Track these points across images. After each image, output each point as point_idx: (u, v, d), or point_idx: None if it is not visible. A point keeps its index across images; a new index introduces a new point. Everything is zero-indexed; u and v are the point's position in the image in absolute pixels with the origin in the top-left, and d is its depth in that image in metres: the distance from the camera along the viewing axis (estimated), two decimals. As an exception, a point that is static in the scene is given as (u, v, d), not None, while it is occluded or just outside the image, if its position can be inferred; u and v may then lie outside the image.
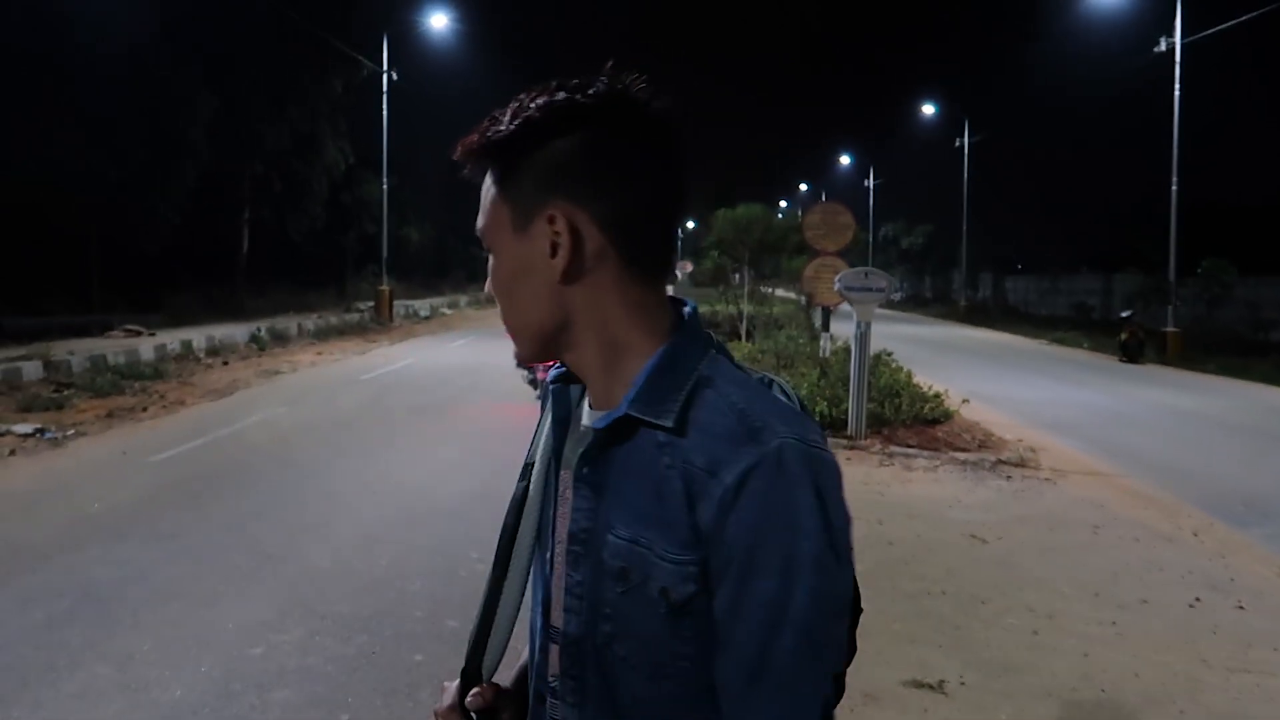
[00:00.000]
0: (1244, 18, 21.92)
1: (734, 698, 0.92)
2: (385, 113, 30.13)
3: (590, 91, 0.99)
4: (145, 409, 11.71)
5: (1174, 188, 23.24)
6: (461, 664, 1.23)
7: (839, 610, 0.94)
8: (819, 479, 0.92)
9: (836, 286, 9.43)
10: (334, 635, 4.63)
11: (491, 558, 1.20)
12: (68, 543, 6.05)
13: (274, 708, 3.89)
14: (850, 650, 1.05)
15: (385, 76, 30.05)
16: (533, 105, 1.00)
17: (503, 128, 1.01)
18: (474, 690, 1.18)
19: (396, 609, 5.00)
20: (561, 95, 0.99)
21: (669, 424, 0.97)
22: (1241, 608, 5.40)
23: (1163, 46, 23.43)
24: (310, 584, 5.36)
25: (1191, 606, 5.42)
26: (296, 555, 5.88)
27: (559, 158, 0.99)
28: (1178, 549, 6.61)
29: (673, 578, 0.94)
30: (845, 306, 11.33)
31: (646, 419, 0.98)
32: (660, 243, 1.03)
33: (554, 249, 1.00)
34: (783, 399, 1.03)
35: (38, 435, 9.77)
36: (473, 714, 1.18)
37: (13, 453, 8.99)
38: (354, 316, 27.51)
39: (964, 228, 43.65)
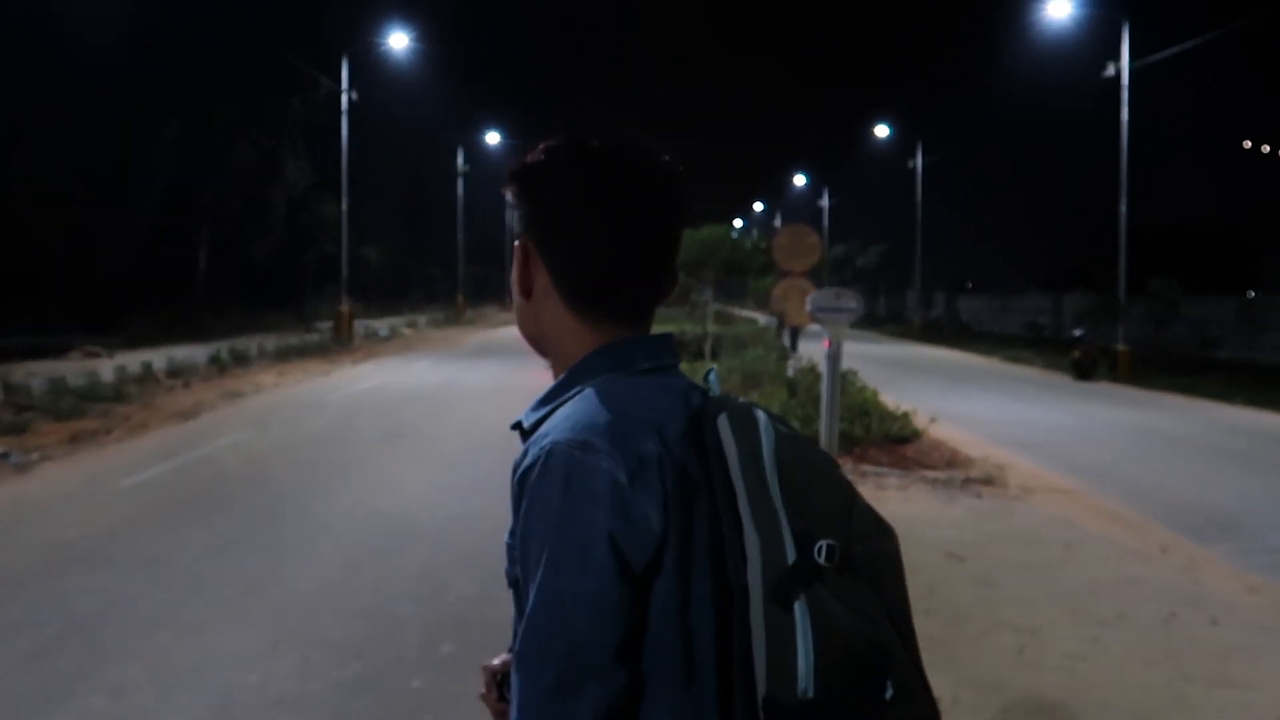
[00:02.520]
0: (1188, 44, 22.60)
1: None
2: (345, 132, 29.95)
3: (563, 151, 1.15)
4: (110, 432, 11.53)
5: (1123, 209, 23.82)
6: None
7: (571, 612, 0.97)
8: (572, 482, 0.99)
9: (809, 307, 9.56)
10: (328, 662, 4.62)
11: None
12: (45, 570, 5.96)
13: (277, 736, 3.87)
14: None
15: (345, 96, 29.89)
16: (534, 157, 1.16)
17: (517, 166, 1.18)
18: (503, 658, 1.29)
19: (389, 634, 4.99)
20: (542, 156, 1.15)
21: (525, 426, 1.13)
22: (1215, 622, 5.55)
23: (1110, 71, 24.04)
24: (298, 610, 5.34)
25: (1167, 621, 5.56)
26: (281, 581, 5.84)
27: (531, 203, 1.16)
28: (1148, 565, 6.78)
29: (509, 560, 1.07)
30: (812, 326, 11.49)
31: (522, 425, 1.14)
32: (603, 291, 1.14)
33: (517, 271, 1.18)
34: (614, 411, 1.05)
35: (2, 460, 9.59)
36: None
37: (-24, 478, 8.82)
38: (314, 337, 27.22)
39: (917, 247, 44.29)
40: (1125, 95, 23.66)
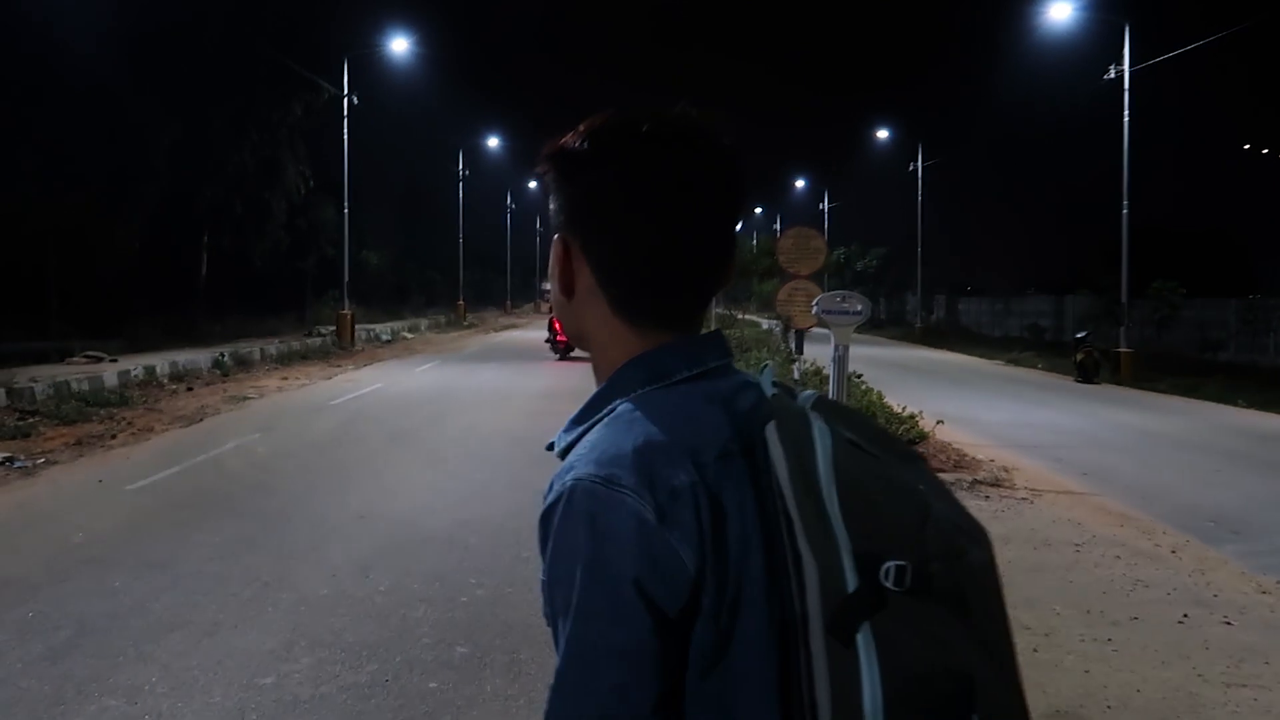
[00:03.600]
0: (1189, 47, 22.63)
1: None
2: (346, 136, 29.97)
3: (609, 134, 1.02)
4: (114, 436, 11.52)
5: (1125, 211, 23.83)
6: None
7: (602, 668, 0.88)
8: (596, 522, 0.90)
9: (814, 310, 9.55)
10: (344, 664, 4.61)
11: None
12: (56, 574, 5.95)
13: (294, 738, 3.86)
14: None
15: (346, 100, 29.91)
16: (574, 140, 1.04)
17: (554, 150, 1.05)
18: None
19: (402, 636, 4.98)
20: (583, 139, 1.03)
21: (556, 452, 1.03)
22: (1229, 623, 5.55)
23: (1112, 74, 24.07)
24: (311, 612, 5.33)
25: (1180, 622, 5.56)
26: (293, 583, 5.83)
27: (570, 193, 1.04)
28: (1159, 566, 6.77)
29: (544, 600, 0.96)
30: (817, 329, 11.48)
31: (556, 446, 1.04)
32: (655, 293, 1.02)
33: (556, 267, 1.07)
34: (643, 436, 0.94)
35: (8, 464, 9.58)
36: None
37: (-17, 482, 8.81)
38: (316, 341, 27.20)
39: (918, 251, 44.31)
40: (1127, 98, 23.68)
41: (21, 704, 4.12)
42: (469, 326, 44.68)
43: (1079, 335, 23.21)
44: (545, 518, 0.94)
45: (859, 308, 9.64)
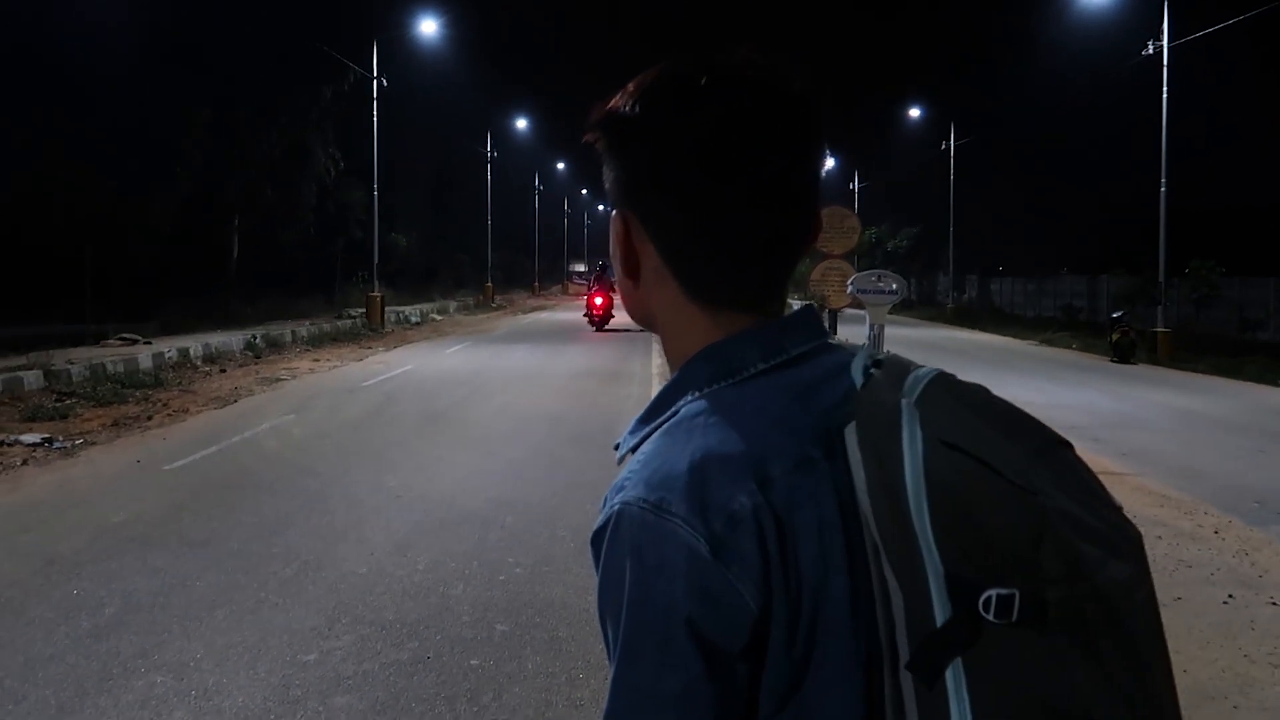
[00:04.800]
0: (1231, 21, 22.20)
1: None
2: (375, 119, 30.05)
3: (667, 92, 0.90)
4: (150, 417, 11.64)
5: (1163, 189, 23.46)
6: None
7: (646, 709, 0.79)
8: (644, 553, 0.80)
9: (849, 289, 9.49)
10: (385, 641, 4.63)
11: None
12: (99, 552, 6.01)
13: (339, 714, 3.89)
14: None
15: (375, 83, 29.97)
16: (626, 102, 0.92)
17: (605, 116, 0.94)
18: None
19: (442, 614, 5.00)
20: (637, 100, 0.91)
21: (619, 455, 0.94)
22: (1275, 603, 5.47)
23: (1150, 50, 23.66)
24: (351, 590, 5.36)
25: (1225, 603, 5.48)
26: (333, 562, 5.86)
27: (627, 163, 0.92)
28: (1202, 547, 6.68)
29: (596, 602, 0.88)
30: (849, 309, 11.41)
31: (620, 448, 0.94)
32: (732, 270, 0.90)
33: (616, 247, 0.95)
34: (701, 451, 0.83)
35: (46, 445, 9.70)
36: None
37: (24, 463, 8.93)
38: (346, 323, 27.38)
39: (950, 230, 43.91)
40: (1166, 74, 23.28)
41: (70, 679, 4.17)
42: (497, 308, 44.82)
43: (1115, 315, 22.91)
44: (595, 540, 0.85)
45: (894, 287, 9.58)
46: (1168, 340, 22.33)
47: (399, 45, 33.16)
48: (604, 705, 0.82)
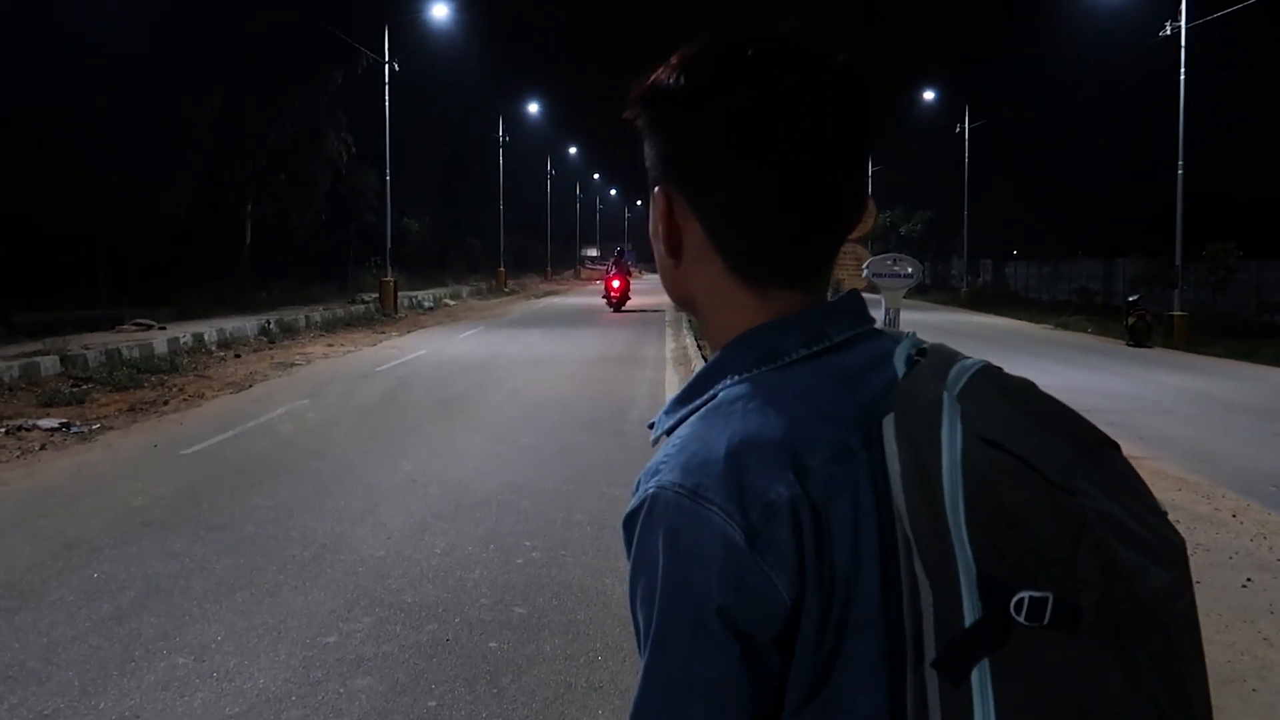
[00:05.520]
0: (1250, 1, 21.95)
1: None
2: (387, 104, 30.03)
3: (711, 66, 0.88)
4: (166, 402, 11.70)
5: (1180, 171, 23.28)
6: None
7: (685, 703, 0.78)
8: (679, 539, 0.79)
9: (864, 273, 9.45)
10: (404, 624, 4.65)
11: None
12: (118, 536, 6.05)
13: (359, 695, 3.91)
14: None
15: (387, 67, 29.93)
16: (669, 76, 0.90)
17: (647, 91, 0.92)
18: None
19: (460, 597, 5.02)
20: (680, 74, 0.89)
21: (654, 436, 0.92)
22: (1295, 587, 5.44)
23: (1168, 30, 23.44)
24: (369, 573, 5.38)
25: (1244, 587, 5.46)
26: (350, 545, 5.89)
27: (670, 138, 0.90)
28: (1219, 530, 6.65)
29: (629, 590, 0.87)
30: (864, 294, 11.38)
31: (655, 429, 0.93)
32: (778, 247, 0.88)
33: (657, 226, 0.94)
34: (739, 437, 0.82)
35: (65, 430, 9.76)
36: None
37: (43, 447, 8.99)
38: (359, 308, 27.46)
39: (964, 214, 43.70)
40: (1184, 56, 23.06)
41: (93, 661, 4.20)
42: (510, 293, 44.84)
43: (1131, 299, 22.77)
44: (627, 523, 0.84)
45: (909, 271, 9.54)
46: (1184, 324, 22.20)
47: (411, 30, 33.11)
48: (635, 690, 0.81)
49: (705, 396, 0.88)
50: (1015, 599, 0.71)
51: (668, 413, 0.91)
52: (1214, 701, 0.75)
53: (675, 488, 0.80)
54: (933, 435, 0.77)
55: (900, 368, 0.84)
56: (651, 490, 0.81)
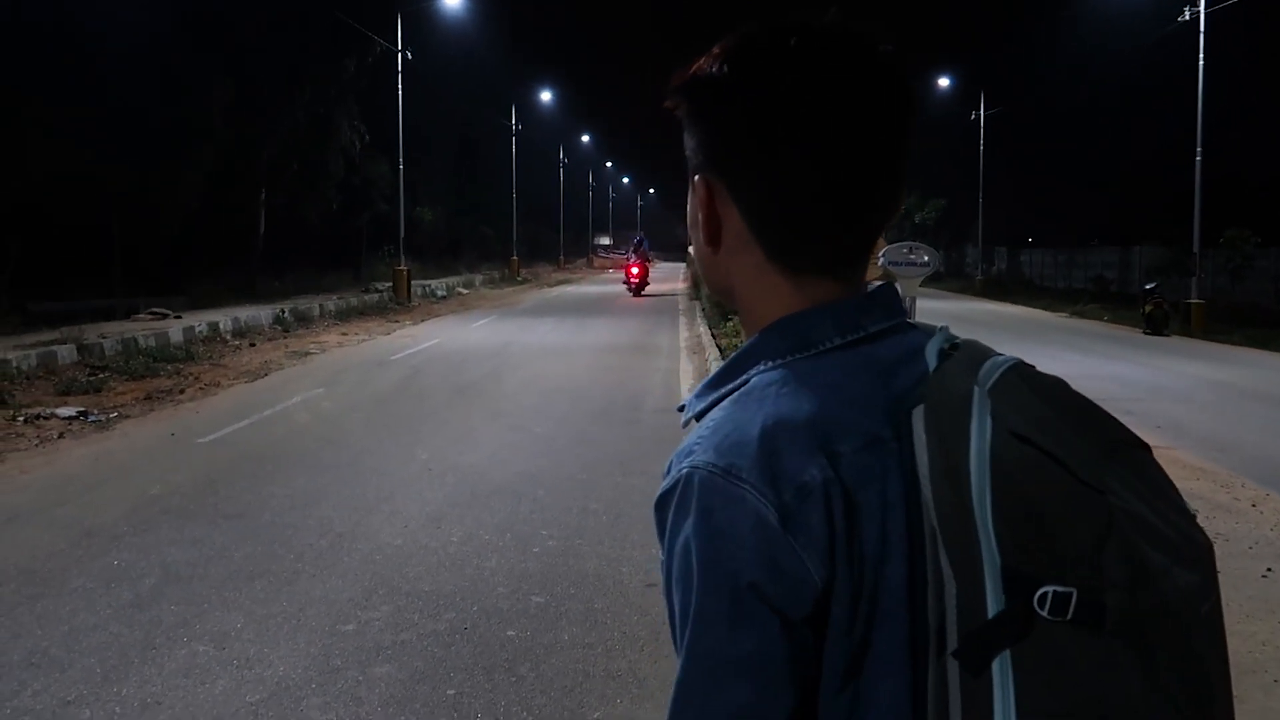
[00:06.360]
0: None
1: None
2: (400, 92, 30.01)
3: (755, 56, 0.88)
4: (183, 391, 11.75)
5: (1198, 158, 23.08)
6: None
7: (727, 681, 0.79)
8: (713, 518, 0.80)
9: (880, 262, 9.39)
10: (422, 612, 4.67)
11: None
12: (137, 524, 6.08)
13: (379, 683, 3.92)
14: None
15: (400, 56, 29.90)
16: (712, 65, 0.90)
17: (688, 80, 0.93)
18: None
19: (478, 586, 5.03)
20: (723, 64, 0.89)
21: (684, 419, 0.94)
22: (1316, 577, 5.40)
23: (1186, 15, 23.21)
24: (387, 562, 5.39)
25: (1264, 577, 5.43)
26: (367, 534, 5.91)
27: (712, 128, 0.91)
28: (1239, 520, 6.61)
29: (663, 580, 0.88)
30: (878, 283, 11.32)
31: (685, 412, 0.94)
32: (819, 235, 0.89)
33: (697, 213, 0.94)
34: (774, 420, 0.83)
35: (82, 418, 9.81)
36: None
37: (61, 435, 9.04)
38: (373, 297, 27.51)
39: (979, 202, 43.47)
40: (1203, 40, 22.84)
41: (114, 648, 4.23)
42: (523, 282, 44.84)
43: (1147, 286, 22.61)
44: (660, 504, 0.85)
45: (926, 259, 9.49)
46: (1201, 312, 22.04)
47: (423, 17, 33.06)
48: (677, 669, 0.82)
49: (738, 381, 0.89)
50: (1039, 593, 0.72)
51: (698, 397, 0.92)
52: (1235, 692, 0.75)
53: (709, 467, 0.81)
54: (961, 428, 0.77)
55: (932, 361, 0.85)
56: (685, 470, 0.82)
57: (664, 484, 0.84)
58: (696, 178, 0.93)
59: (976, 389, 0.79)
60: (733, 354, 0.93)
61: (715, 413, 0.87)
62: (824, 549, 0.79)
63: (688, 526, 0.81)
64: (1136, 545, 0.72)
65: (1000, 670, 0.73)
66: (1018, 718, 0.72)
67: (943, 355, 0.85)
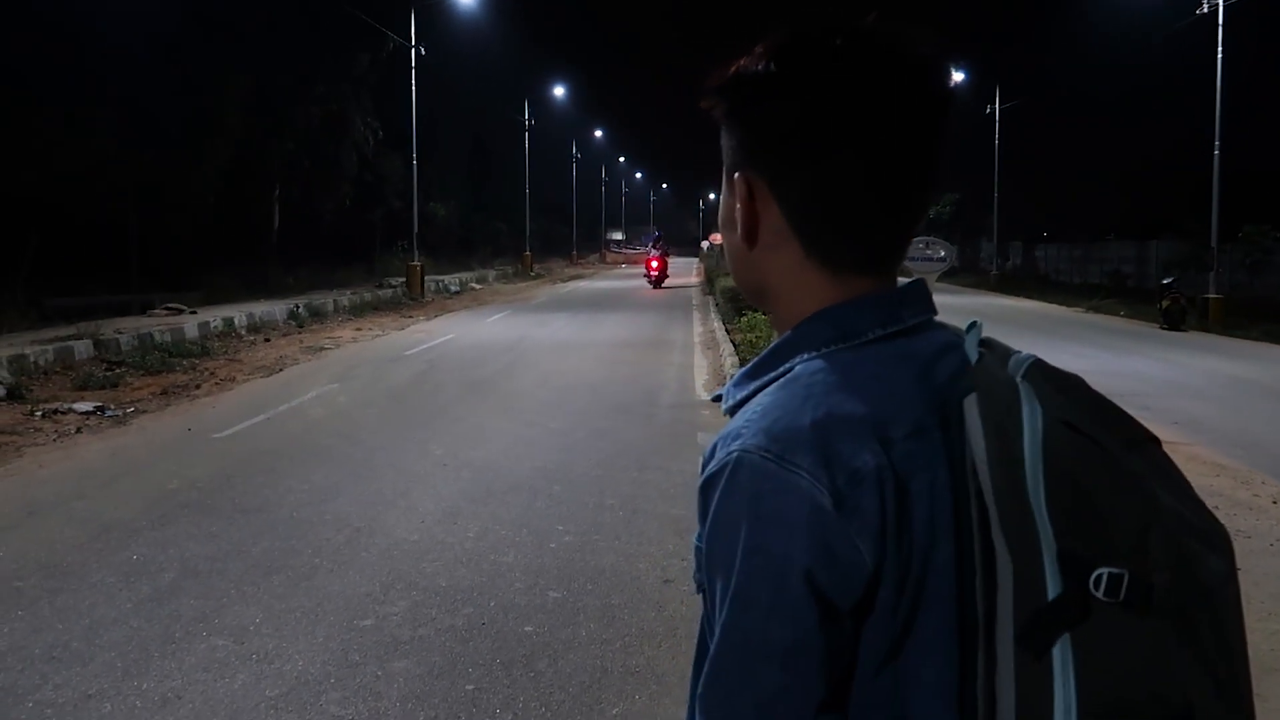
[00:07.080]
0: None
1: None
2: (414, 88, 30.03)
3: (798, 56, 0.90)
4: (199, 386, 11.80)
5: (1216, 151, 22.91)
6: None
7: (761, 664, 0.80)
8: (763, 503, 0.81)
9: (896, 256, 9.38)
10: (439, 607, 4.67)
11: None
12: (155, 519, 6.10)
13: (397, 678, 3.92)
14: None
15: (414, 51, 29.92)
16: (755, 65, 0.91)
17: (729, 80, 0.94)
18: None
19: (494, 581, 5.02)
20: (767, 63, 0.90)
21: (724, 408, 0.94)
22: (1339, 574, 5.35)
23: (1205, 8, 23.03)
24: (404, 557, 5.40)
25: (1287, 574, 5.38)
26: (383, 529, 5.91)
27: (753, 127, 0.92)
28: (1260, 517, 6.56)
29: (696, 564, 0.89)
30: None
31: (724, 403, 0.95)
32: (857, 232, 0.91)
33: (736, 212, 0.95)
34: (825, 406, 0.84)
35: (99, 413, 9.86)
36: None
37: (79, 430, 9.08)
38: (387, 292, 27.57)
39: (995, 196, 43.26)
40: (1221, 33, 22.65)
41: (134, 642, 4.24)
42: (536, 277, 44.87)
43: (1165, 281, 22.45)
44: (706, 487, 0.85)
45: (942, 254, 9.45)
46: (1220, 307, 21.89)
47: (436, 12, 33.06)
48: (711, 649, 0.83)
49: (779, 370, 0.91)
50: (1094, 575, 0.74)
51: (737, 385, 0.94)
52: (1257, 690, 0.79)
53: (760, 451, 0.82)
54: (1014, 416, 0.79)
55: (973, 354, 0.88)
56: (735, 454, 0.83)
57: (710, 466, 0.85)
58: (736, 175, 0.94)
59: (1019, 378, 0.81)
60: (771, 344, 0.94)
61: (760, 398, 0.89)
62: (876, 534, 0.80)
63: (735, 510, 0.82)
64: (1176, 529, 0.76)
65: (1061, 653, 0.75)
66: (1078, 699, 0.74)
67: (979, 350, 0.88)
